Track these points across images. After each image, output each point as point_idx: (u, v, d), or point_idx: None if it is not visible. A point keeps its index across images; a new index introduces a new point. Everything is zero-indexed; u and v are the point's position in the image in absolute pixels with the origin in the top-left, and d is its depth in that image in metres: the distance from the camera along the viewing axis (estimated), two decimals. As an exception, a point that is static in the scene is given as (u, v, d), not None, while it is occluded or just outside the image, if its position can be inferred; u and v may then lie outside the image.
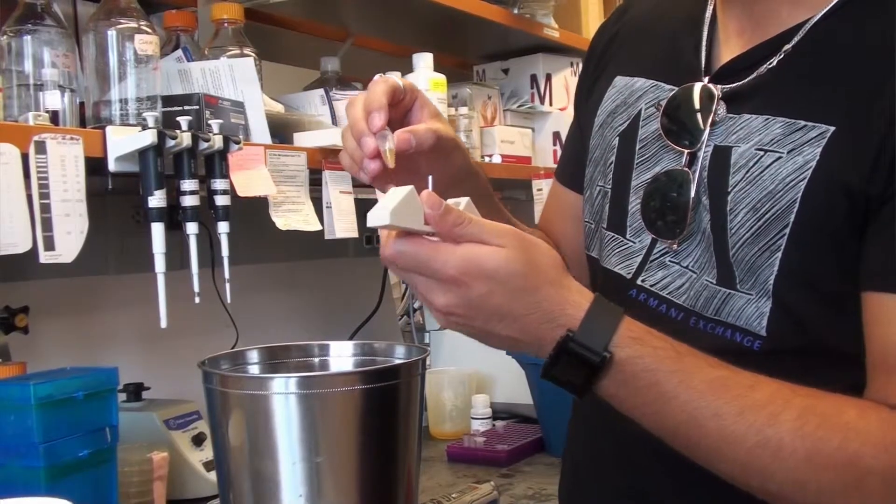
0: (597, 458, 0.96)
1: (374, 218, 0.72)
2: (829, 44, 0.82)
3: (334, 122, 1.58)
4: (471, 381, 2.02)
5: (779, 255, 0.79)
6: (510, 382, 2.01)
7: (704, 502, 0.86)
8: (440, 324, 0.77)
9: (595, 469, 0.96)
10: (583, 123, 1.02)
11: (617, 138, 0.94)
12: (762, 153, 0.81)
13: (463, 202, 0.77)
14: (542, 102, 2.26)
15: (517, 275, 0.73)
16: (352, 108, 0.86)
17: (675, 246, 0.87)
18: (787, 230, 0.79)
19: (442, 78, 1.81)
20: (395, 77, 0.89)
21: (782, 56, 0.83)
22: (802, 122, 0.80)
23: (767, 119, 0.82)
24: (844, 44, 0.81)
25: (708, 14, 0.92)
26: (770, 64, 0.84)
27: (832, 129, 0.78)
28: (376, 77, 0.87)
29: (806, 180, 0.78)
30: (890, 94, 0.76)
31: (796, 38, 0.83)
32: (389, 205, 0.71)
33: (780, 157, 0.80)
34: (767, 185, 0.80)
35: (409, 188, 0.74)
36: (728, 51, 0.89)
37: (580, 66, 2.33)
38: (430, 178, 0.78)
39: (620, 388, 0.75)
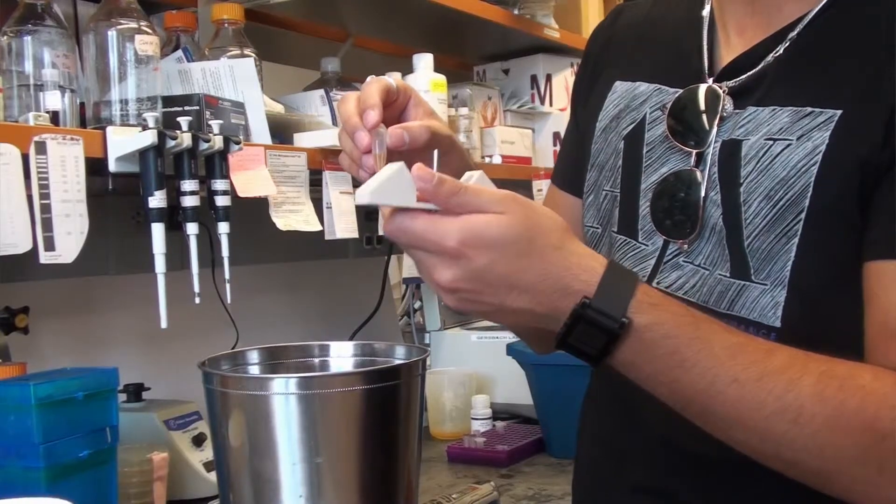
0: (618, 455, 0.95)
1: (358, 196, 0.71)
2: (832, 31, 0.83)
3: (334, 122, 1.58)
4: (471, 381, 2.02)
5: (795, 240, 0.79)
6: (510, 383, 2.01)
7: (730, 501, 0.86)
8: (451, 304, 0.74)
9: (616, 466, 0.96)
10: (582, 127, 1.02)
11: (623, 142, 0.94)
12: (771, 142, 0.82)
13: (476, 175, 0.75)
14: (542, 103, 2.27)
15: (520, 241, 0.71)
16: (344, 105, 0.85)
17: (685, 246, 0.87)
18: (803, 215, 0.79)
19: (442, 78, 1.81)
20: (389, 77, 0.88)
21: (787, 45, 0.84)
22: (809, 109, 0.81)
23: (774, 109, 0.83)
24: (846, 29, 0.82)
25: (706, 15, 0.93)
26: (777, 53, 0.84)
27: (839, 112, 0.79)
28: (369, 78, 0.87)
29: (818, 164, 0.79)
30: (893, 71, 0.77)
31: (799, 28, 0.84)
32: (374, 182, 0.70)
33: (789, 145, 0.81)
34: (779, 172, 0.81)
35: (398, 164, 0.72)
36: (729, 50, 0.89)
37: (580, 66, 2.34)
38: (434, 153, 0.78)
39: (638, 356, 0.74)
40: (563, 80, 2.27)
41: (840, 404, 0.72)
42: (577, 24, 2.32)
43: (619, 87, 0.97)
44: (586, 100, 1.02)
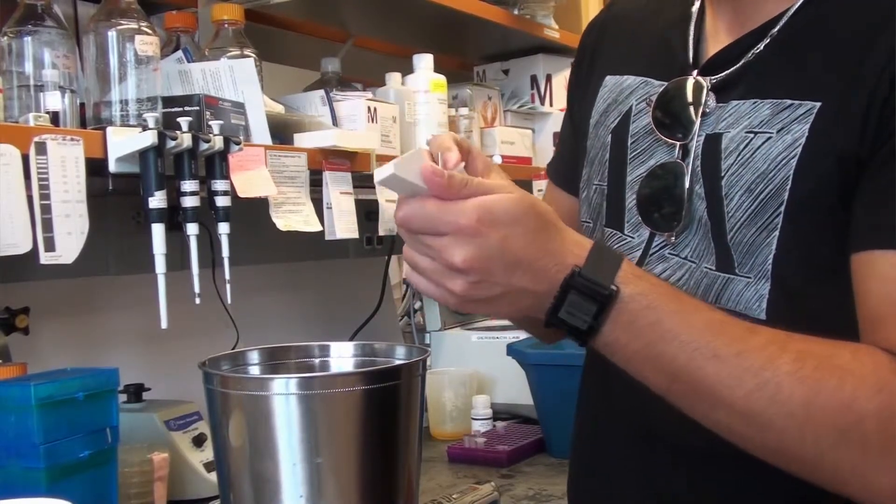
0: (609, 453, 0.96)
1: (380, 171, 0.73)
2: (812, 25, 0.84)
3: (335, 122, 1.58)
4: (471, 381, 2.02)
5: (776, 233, 0.80)
6: (511, 383, 2.01)
7: (718, 497, 0.86)
8: (458, 291, 0.74)
9: (608, 465, 0.96)
10: (578, 124, 1.03)
11: (610, 136, 0.95)
12: (752, 135, 0.83)
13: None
14: (542, 103, 2.27)
15: (528, 217, 0.74)
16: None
17: (672, 238, 0.87)
18: (783, 208, 0.80)
19: (442, 79, 1.81)
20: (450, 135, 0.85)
21: (768, 41, 0.85)
22: (789, 101, 0.81)
23: (755, 102, 0.84)
24: (826, 23, 0.83)
25: (695, 10, 0.94)
26: (757, 49, 0.85)
27: (818, 104, 0.80)
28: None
29: (797, 157, 0.80)
30: (872, 63, 0.77)
31: (780, 23, 0.85)
32: (395, 160, 0.73)
33: (770, 138, 0.81)
34: (759, 165, 0.81)
35: (417, 149, 0.76)
36: (716, 45, 0.90)
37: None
38: (440, 155, 0.79)
39: (625, 330, 0.75)
40: (563, 81, 2.27)
41: (816, 383, 0.72)
42: (577, 24, 2.31)
43: (609, 81, 0.98)
44: (582, 96, 1.03)
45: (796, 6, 0.85)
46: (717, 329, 0.75)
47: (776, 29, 0.85)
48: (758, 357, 0.73)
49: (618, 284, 0.74)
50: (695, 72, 0.89)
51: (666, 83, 0.91)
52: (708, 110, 0.87)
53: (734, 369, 0.73)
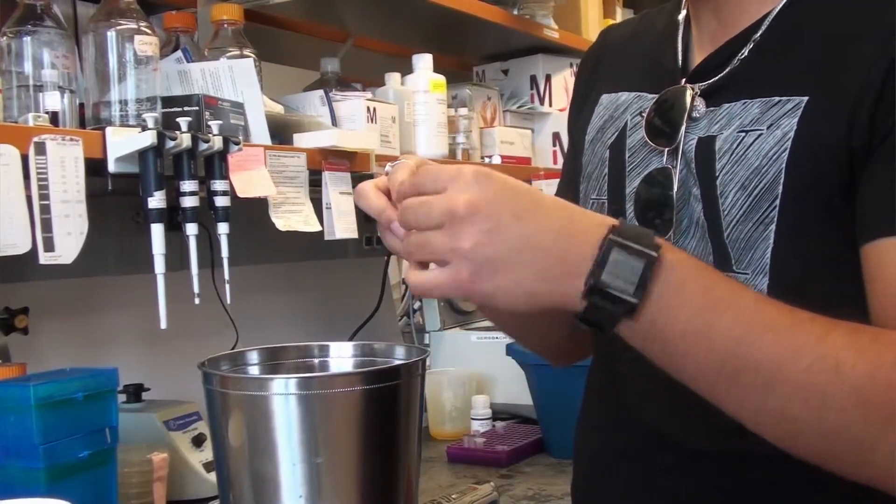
0: (616, 453, 0.95)
1: None
2: (796, 25, 0.85)
3: (334, 122, 1.58)
4: (471, 381, 2.02)
5: (772, 227, 0.80)
6: (510, 383, 2.01)
7: (724, 497, 0.86)
8: (467, 255, 0.69)
9: (614, 465, 0.96)
10: (576, 145, 1.04)
11: (608, 151, 0.96)
12: (744, 134, 0.83)
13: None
14: (541, 103, 2.27)
15: (525, 187, 0.72)
16: (365, 200, 0.80)
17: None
18: (778, 202, 0.80)
19: (441, 79, 1.81)
20: (407, 160, 0.81)
21: (752, 45, 0.86)
22: (777, 98, 0.82)
23: (745, 103, 0.84)
24: (811, 22, 0.84)
25: (682, 22, 0.95)
26: (742, 55, 0.86)
27: (806, 98, 0.80)
28: (388, 166, 0.81)
29: (787, 151, 0.80)
30: (861, 55, 0.78)
31: (763, 27, 0.86)
32: None
33: (760, 134, 0.82)
34: (752, 162, 0.82)
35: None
36: (702, 53, 0.91)
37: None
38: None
39: (675, 294, 0.69)
40: (563, 81, 2.27)
41: (877, 357, 0.69)
42: (576, 24, 2.32)
43: (605, 99, 0.99)
44: (577, 119, 1.04)
45: (778, 8, 0.86)
46: (763, 303, 0.72)
47: (759, 34, 0.86)
48: (812, 329, 0.70)
49: (660, 251, 0.70)
50: (683, 80, 0.90)
51: (657, 95, 0.92)
52: (698, 115, 0.87)
53: (793, 341, 0.69)
